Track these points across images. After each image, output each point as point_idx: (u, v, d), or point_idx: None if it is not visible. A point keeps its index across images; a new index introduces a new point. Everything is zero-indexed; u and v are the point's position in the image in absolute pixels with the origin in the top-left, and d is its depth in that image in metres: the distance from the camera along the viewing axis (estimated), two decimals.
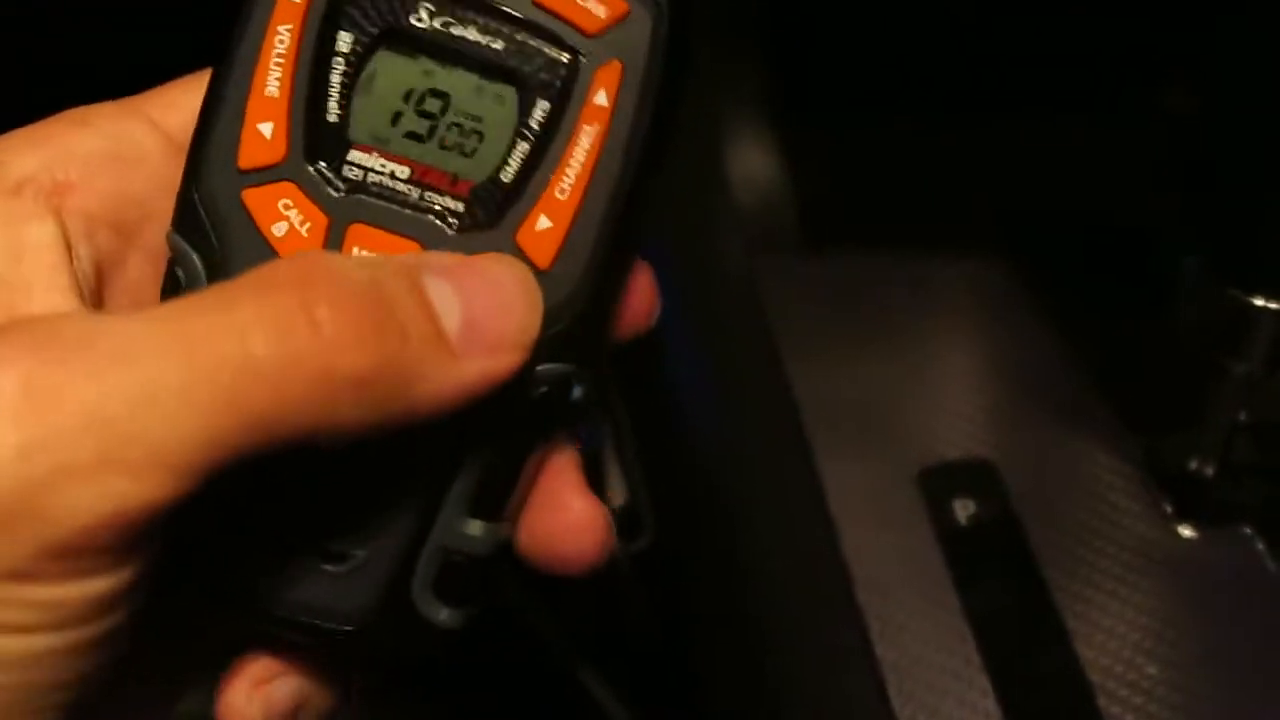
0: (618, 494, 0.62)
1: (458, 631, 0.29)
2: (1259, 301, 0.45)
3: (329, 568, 0.28)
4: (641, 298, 0.29)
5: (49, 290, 0.26)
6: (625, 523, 0.62)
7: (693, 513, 0.58)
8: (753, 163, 0.64)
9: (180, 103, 0.29)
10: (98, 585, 0.22)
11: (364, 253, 0.27)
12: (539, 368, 0.27)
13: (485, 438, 0.28)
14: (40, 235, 0.26)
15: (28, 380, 0.21)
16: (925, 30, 0.62)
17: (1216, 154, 0.48)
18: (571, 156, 0.27)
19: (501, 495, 0.28)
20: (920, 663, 0.46)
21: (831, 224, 0.63)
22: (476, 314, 0.25)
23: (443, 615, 0.28)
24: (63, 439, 0.21)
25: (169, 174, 0.28)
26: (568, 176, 0.27)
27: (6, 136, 0.28)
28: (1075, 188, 0.60)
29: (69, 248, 0.27)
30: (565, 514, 0.29)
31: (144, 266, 0.28)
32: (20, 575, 0.21)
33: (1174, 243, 0.49)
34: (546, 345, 0.26)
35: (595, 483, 0.62)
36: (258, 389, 0.22)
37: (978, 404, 0.54)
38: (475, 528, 0.28)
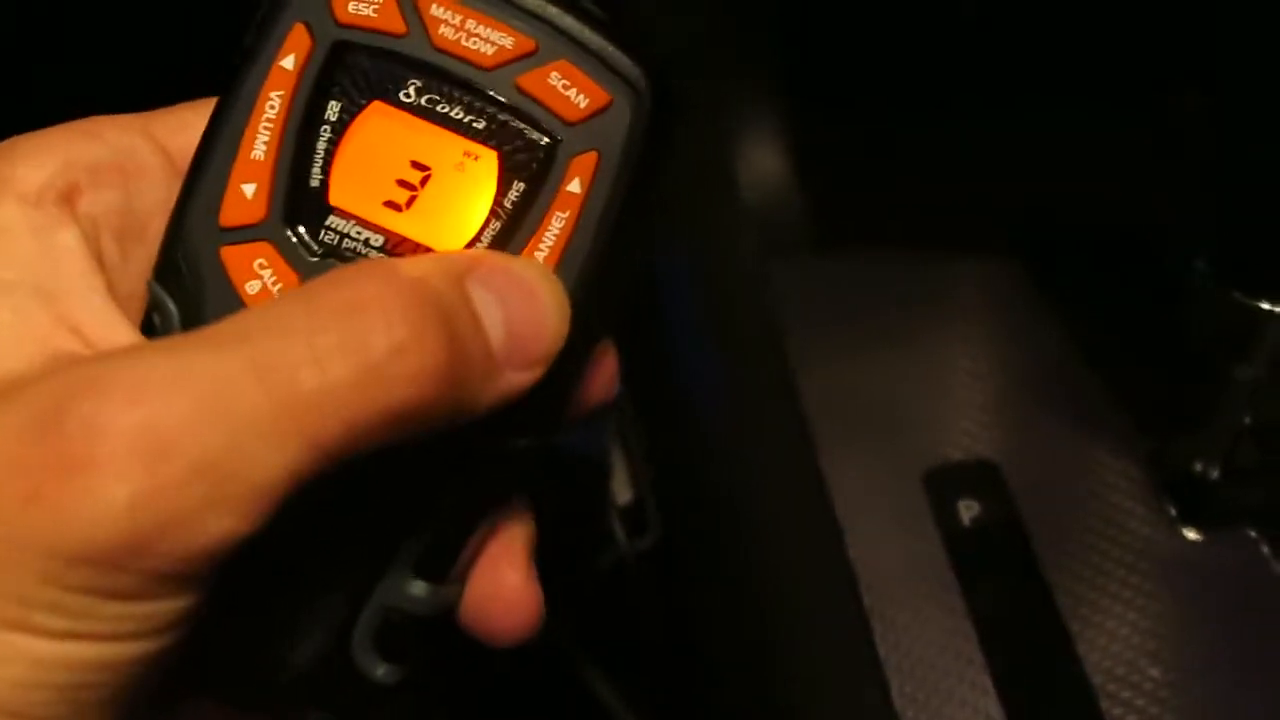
0: (623, 492, 0.63)
1: (396, 687, 0.30)
2: (1265, 305, 0.45)
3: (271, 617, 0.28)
4: (604, 376, 0.31)
5: (89, 295, 0.27)
6: (631, 521, 0.62)
7: (698, 512, 0.59)
8: (762, 163, 0.64)
9: (189, 124, 0.29)
10: (185, 601, 0.24)
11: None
12: (498, 442, 0.28)
13: (436, 502, 0.28)
14: (68, 242, 0.27)
15: (130, 433, 0.23)
16: (937, 30, 0.62)
17: (1224, 156, 0.48)
18: (541, 240, 0.27)
19: (448, 560, 0.29)
20: (923, 664, 0.46)
21: (840, 225, 0.63)
22: (516, 327, 0.26)
23: (380, 671, 0.29)
24: (169, 490, 0.23)
25: (164, 194, 0.29)
26: (535, 258, 0.27)
27: (15, 142, 0.28)
28: (1083, 190, 0.59)
29: (92, 252, 0.28)
30: (500, 589, 0.30)
31: (137, 282, 0.29)
32: (131, 595, 0.23)
33: (1181, 245, 0.49)
34: (506, 421, 0.27)
35: (597, 483, 0.62)
36: (335, 423, 0.23)
37: (983, 405, 0.54)
38: (419, 589, 0.29)
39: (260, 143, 0.28)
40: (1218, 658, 0.46)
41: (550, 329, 0.26)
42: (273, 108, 0.28)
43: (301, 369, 0.23)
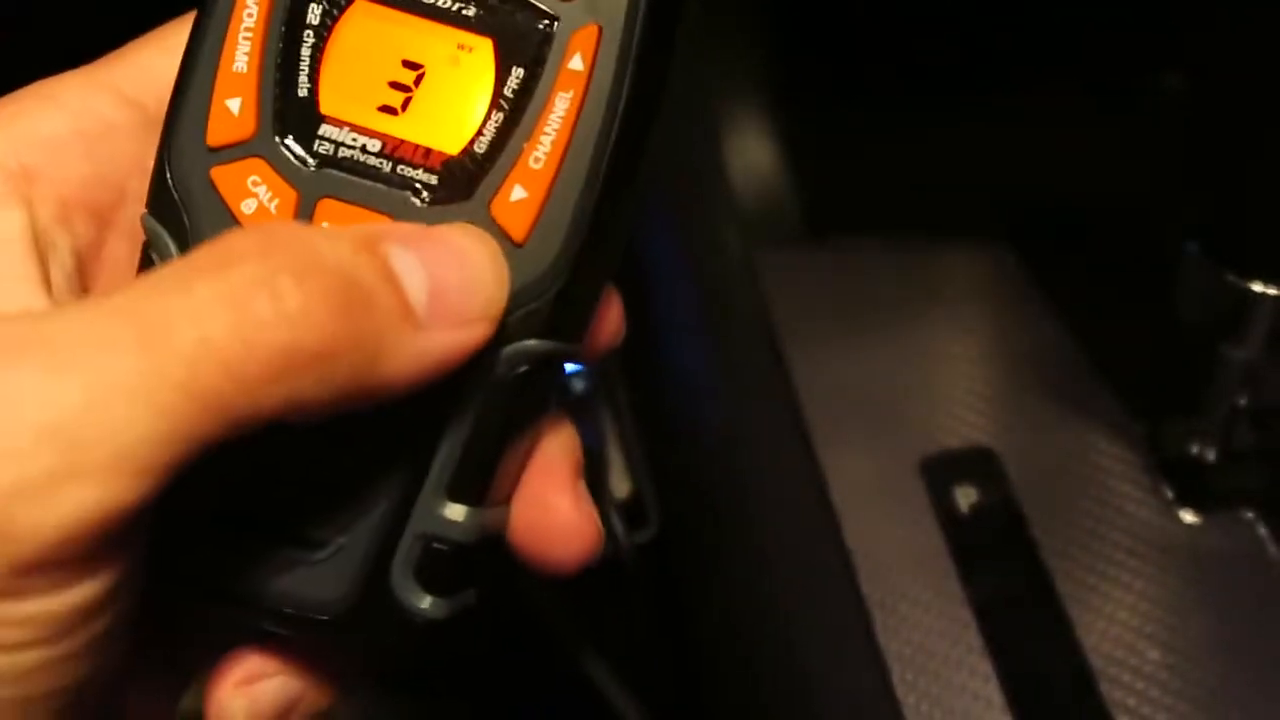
0: (621, 486, 0.63)
1: (444, 621, 0.28)
2: (1257, 287, 0.45)
3: (307, 554, 0.27)
4: (613, 315, 0.29)
5: (17, 282, 0.25)
6: (629, 514, 0.62)
7: (696, 504, 0.59)
8: (753, 152, 0.64)
9: (147, 67, 0.28)
10: (80, 594, 0.21)
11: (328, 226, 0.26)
12: (517, 345, 0.26)
13: (461, 417, 0.26)
14: (6, 225, 0.26)
15: None
16: (925, 17, 0.62)
17: (1212, 138, 0.47)
18: (546, 124, 0.26)
19: (482, 478, 0.27)
20: (923, 651, 0.46)
21: (832, 213, 0.63)
22: (443, 285, 0.24)
23: (425, 604, 0.27)
24: (13, 454, 0.20)
25: (140, 149, 0.27)
26: (542, 145, 0.26)
27: None
28: (1075, 174, 0.59)
29: (37, 237, 0.26)
30: (553, 514, 0.28)
31: (125, 247, 0.28)
32: (6, 593, 0.20)
33: (1173, 228, 0.49)
34: (524, 322, 0.26)
35: (595, 477, 0.62)
36: (217, 375, 0.21)
37: (979, 392, 0.54)
38: (457, 512, 0.27)
39: (241, 54, 0.26)
40: (1216, 640, 0.46)
41: (485, 286, 0.25)
42: (250, 15, 0.26)
43: (182, 326, 0.21)
